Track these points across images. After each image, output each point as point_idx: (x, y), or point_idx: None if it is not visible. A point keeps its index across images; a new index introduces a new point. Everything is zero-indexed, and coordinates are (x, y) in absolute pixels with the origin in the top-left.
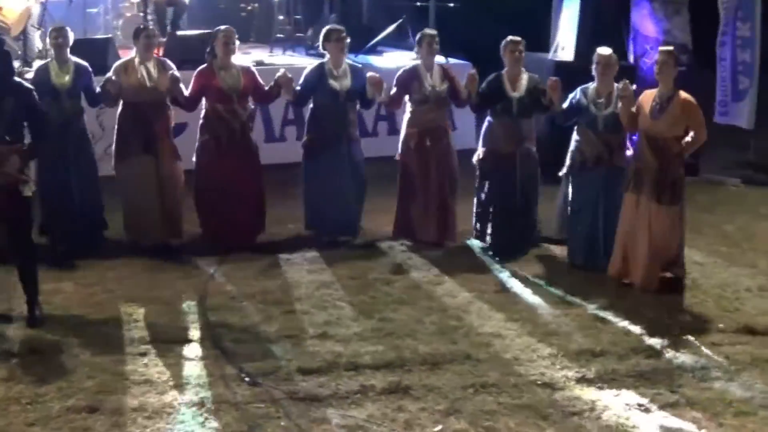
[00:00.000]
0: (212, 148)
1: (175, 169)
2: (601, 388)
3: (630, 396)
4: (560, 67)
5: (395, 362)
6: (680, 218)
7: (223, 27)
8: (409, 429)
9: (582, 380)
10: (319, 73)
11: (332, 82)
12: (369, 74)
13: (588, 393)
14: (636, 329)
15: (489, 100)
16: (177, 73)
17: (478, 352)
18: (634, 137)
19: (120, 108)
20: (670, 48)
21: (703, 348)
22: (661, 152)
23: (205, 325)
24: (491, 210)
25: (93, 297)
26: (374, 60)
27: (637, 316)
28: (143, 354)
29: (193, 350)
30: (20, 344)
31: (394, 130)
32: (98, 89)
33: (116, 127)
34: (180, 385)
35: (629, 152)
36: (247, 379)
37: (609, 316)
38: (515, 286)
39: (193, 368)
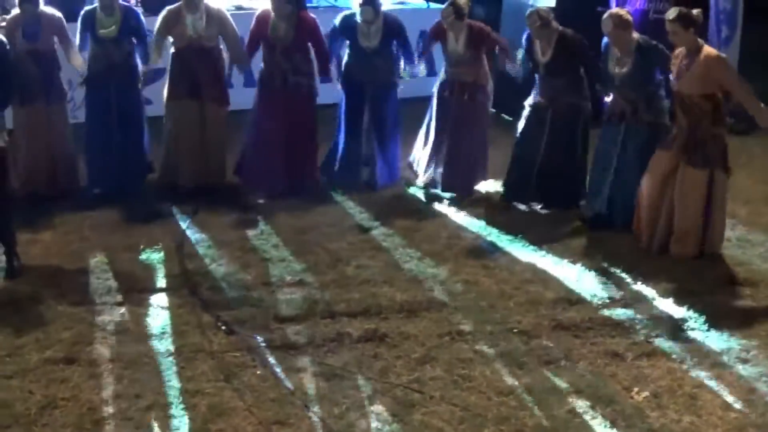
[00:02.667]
0: (265, 88)
1: (221, 113)
2: (576, 337)
3: (605, 345)
4: None
5: (372, 310)
6: (707, 186)
7: None
8: (384, 376)
9: (558, 328)
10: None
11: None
12: None
13: (564, 341)
14: (613, 279)
15: None
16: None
17: (454, 300)
18: None
19: (171, 51)
20: (675, 13)
21: (681, 298)
22: (689, 111)
23: (181, 274)
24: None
25: (70, 246)
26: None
27: (615, 265)
28: (120, 303)
29: (169, 299)
30: None
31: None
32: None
33: (168, 69)
34: (157, 335)
35: None
36: (223, 327)
37: (587, 264)
38: (492, 234)
39: (170, 317)
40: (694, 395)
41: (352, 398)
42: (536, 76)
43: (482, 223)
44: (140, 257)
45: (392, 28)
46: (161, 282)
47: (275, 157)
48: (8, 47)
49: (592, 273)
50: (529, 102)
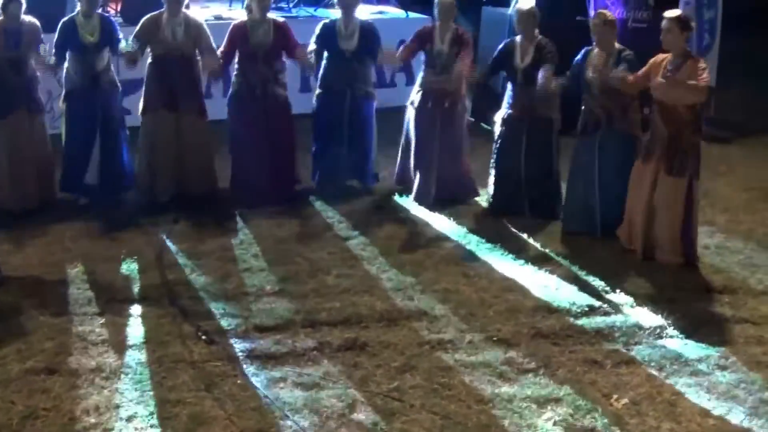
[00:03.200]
0: (243, 101)
1: (199, 123)
2: (556, 345)
3: (584, 353)
4: None
5: (352, 319)
6: (686, 194)
7: None
8: (364, 386)
9: (537, 336)
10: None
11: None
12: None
13: (544, 349)
14: (593, 287)
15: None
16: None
17: (434, 309)
18: None
19: (148, 61)
20: (676, 14)
21: (659, 306)
22: (672, 120)
23: (162, 284)
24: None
25: (51, 257)
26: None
27: (594, 273)
28: (100, 314)
29: (150, 309)
30: None
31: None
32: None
33: (144, 79)
34: (137, 345)
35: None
36: (204, 337)
37: (566, 273)
38: (471, 242)
39: (151, 327)
40: (673, 402)
41: (332, 407)
42: (510, 85)
43: (462, 231)
44: (120, 267)
45: (369, 33)
46: (141, 292)
47: (261, 169)
48: None
49: (571, 281)
50: (502, 115)
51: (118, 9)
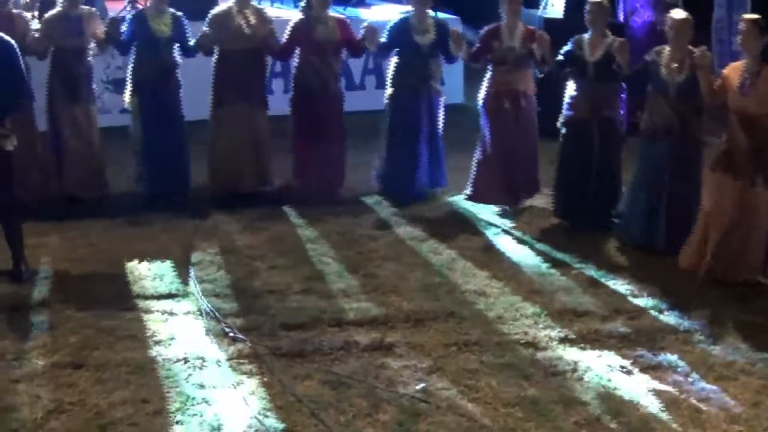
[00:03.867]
0: (304, 99)
1: (264, 117)
2: (583, 349)
3: (612, 357)
4: (549, 23)
5: (379, 319)
6: None
7: None
8: (391, 386)
9: (564, 340)
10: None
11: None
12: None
13: (570, 353)
14: (620, 290)
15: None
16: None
17: (461, 310)
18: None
19: (216, 56)
20: (755, 16)
21: (686, 311)
22: (754, 131)
23: (189, 280)
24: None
25: (77, 251)
26: (363, 13)
27: (622, 276)
28: (127, 309)
29: (177, 305)
30: (5, 300)
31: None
32: (192, 41)
33: (213, 74)
34: (164, 341)
35: None
36: (231, 334)
37: (593, 276)
38: (501, 243)
39: (177, 323)
40: (699, 408)
41: (358, 407)
42: (576, 84)
43: (491, 233)
44: (147, 264)
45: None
46: (169, 288)
47: (323, 166)
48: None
49: (598, 285)
50: (567, 117)
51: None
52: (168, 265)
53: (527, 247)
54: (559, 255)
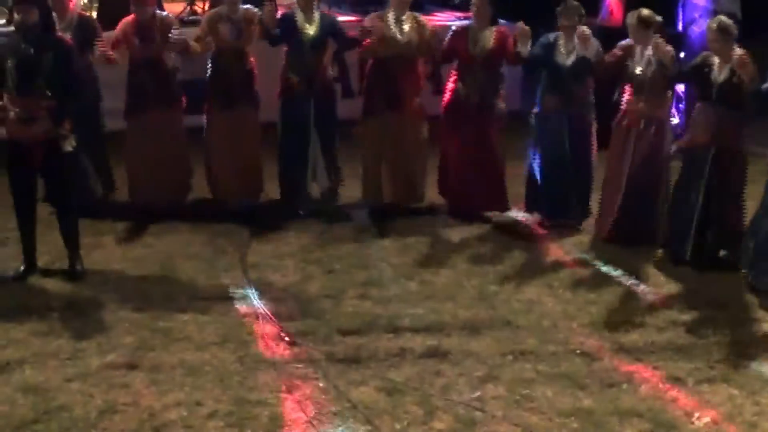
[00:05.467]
0: (458, 110)
1: (421, 128)
2: (638, 360)
3: (667, 369)
4: (607, 31)
5: (435, 326)
6: None
7: None
8: (446, 394)
9: (620, 351)
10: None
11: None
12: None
13: (626, 364)
14: (676, 302)
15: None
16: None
17: (517, 319)
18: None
19: (370, 61)
20: None
21: (744, 324)
22: None
23: (245, 283)
24: None
25: (133, 252)
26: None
27: (678, 289)
28: (183, 311)
29: (233, 308)
30: (60, 299)
31: None
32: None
33: (365, 82)
34: (219, 343)
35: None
36: (286, 338)
37: (650, 288)
38: (557, 253)
39: (233, 326)
40: (754, 423)
41: (413, 414)
42: (699, 106)
43: (547, 243)
44: (203, 265)
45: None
46: (224, 291)
47: (472, 182)
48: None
49: (656, 296)
50: (683, 142)
51: (206, 8)
52: (224, 267)
53: (582, 258)
54: (616, 268)
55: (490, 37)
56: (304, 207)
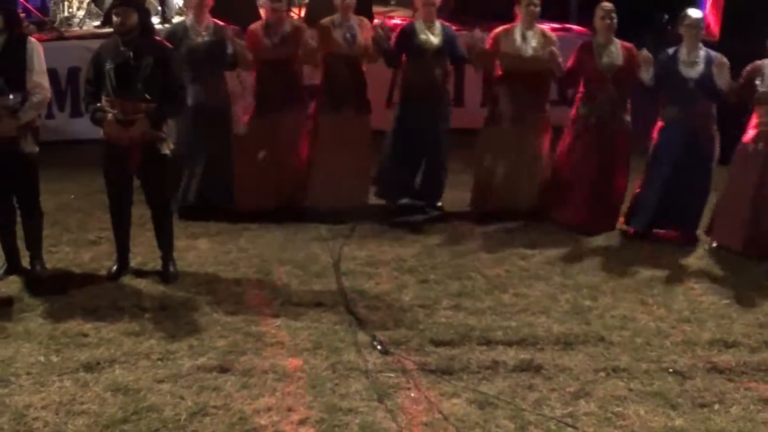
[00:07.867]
0: (588, 126)
1: (541, 143)
2: (731, 380)
3: (759, 390)
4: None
5: (528, 339)
6: None
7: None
8: (538, 408)
9: (713, 370)
10: None
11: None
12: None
13: (718, 384)
14: None
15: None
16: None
17: (610, 335)
18: None
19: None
20: None
21: None
22: None
23: (338, 290)
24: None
25: (227, 256)
26: None
27: None
28: (275, 315)
29: (325, 314)
30: (152, 300)
31: None
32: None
33: (489, 93)
34: (311, 349)
35: None
36: (379, 347)
37: (745, 306)
38: (651, 269)
39: (325, 333)
40: None
41: (504, 428)
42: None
43: (642, 258)
44: (296, 271)
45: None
46: (317, 297)
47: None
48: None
49: (750, 315)
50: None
51: (301, 15)
52: (317, 273)
53: (676, 274)
54: (709, 284)
55: (617, 53)
56: (405, 211)
